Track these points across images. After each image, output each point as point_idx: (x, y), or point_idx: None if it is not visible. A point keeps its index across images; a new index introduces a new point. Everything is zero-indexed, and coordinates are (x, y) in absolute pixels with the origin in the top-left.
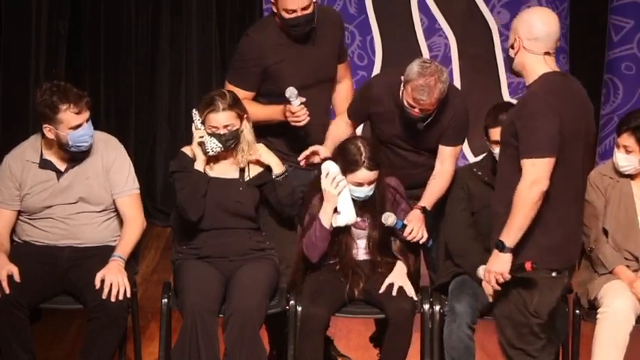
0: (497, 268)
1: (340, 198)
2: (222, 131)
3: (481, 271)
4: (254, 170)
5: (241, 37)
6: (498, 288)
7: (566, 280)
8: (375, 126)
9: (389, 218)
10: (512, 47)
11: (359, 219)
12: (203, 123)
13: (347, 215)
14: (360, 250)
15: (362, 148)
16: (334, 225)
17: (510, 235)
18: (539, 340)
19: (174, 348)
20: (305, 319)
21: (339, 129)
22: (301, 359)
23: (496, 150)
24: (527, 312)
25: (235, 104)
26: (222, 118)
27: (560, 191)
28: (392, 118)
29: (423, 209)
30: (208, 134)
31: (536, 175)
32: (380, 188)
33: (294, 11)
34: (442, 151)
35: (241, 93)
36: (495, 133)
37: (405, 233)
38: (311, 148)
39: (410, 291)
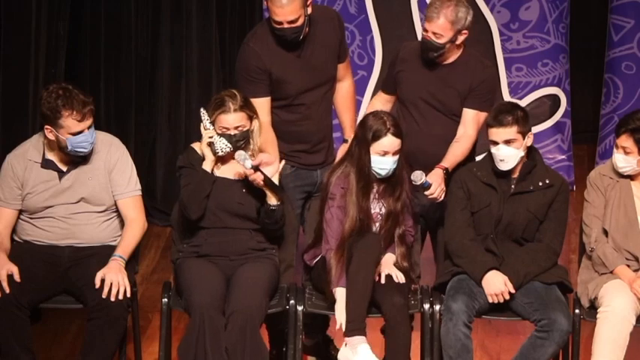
0: None
1: None
2: (232, 132)
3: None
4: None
5: (240, 47)
6: None
7: None
8: (400, 86)
9: (422, 177)
10: None
11: None
12: (213, 123)
13: None
14: None
15: (385, 118)
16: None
17: None
18: None
19: (180, 344)
20: (361, 251)
21: (378, 106)
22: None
23: (493, 149)
24: None
25: (246, 105)
26: (233, 119)
27: None
28: (416, 76)
29: (445, 170)
30: (218, 134)
31: None
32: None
33: (280, 23)
34: (465, 115)
35: (258, 101)
36: (494, 133)
37: (428, 192)
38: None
39: (398, 277)
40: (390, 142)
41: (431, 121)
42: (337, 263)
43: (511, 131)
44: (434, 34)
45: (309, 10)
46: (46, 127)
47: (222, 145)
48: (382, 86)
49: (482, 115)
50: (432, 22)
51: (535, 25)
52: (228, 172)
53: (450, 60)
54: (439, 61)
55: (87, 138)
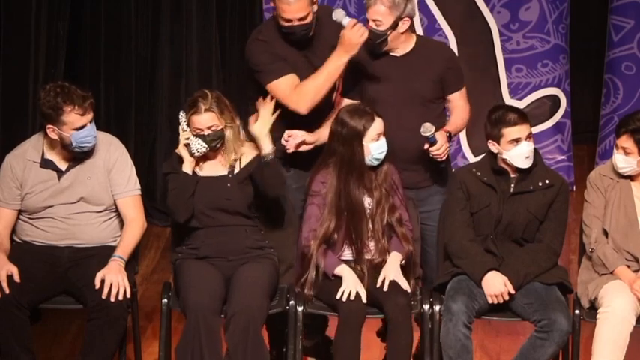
0: None
1: None
2: (205, 132)
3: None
4: (244, 163)
5: (248, 46)
6: None
7: None
8: (369, 88)
9: (432, 129)
10: None
11: None
12: (189, 125)
13: None
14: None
15: (361, 107)
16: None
17: None
18: None
19: (177, 346)
20: (346, 314)
21: None
22: (338, 353)
23: (516, 149)
24: None
25: (218, 104)
26: (205, 120)
27: None
28: (383, 74)
29: (449, 134)
30: (193, 135)
31: None
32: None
33: (290, 20)
34: (452, 99)
35: (287, 80)
36: (517, 131)
37: (433, 149)
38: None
39: (403, 284)
40: (379, 123)
41: (407, 115)
42: (321, 254)
43: (528, 126)
44: (374, 21)
45: (315, 7)
46: (49, 126)
47: (198, 146)
48: (345, 93)
49: (464, 90)
50: (370, 9)
51: (535, 25)
52: (211, 170)
53: (407, 50)
54: (390, 52)
55: (90, 132)
